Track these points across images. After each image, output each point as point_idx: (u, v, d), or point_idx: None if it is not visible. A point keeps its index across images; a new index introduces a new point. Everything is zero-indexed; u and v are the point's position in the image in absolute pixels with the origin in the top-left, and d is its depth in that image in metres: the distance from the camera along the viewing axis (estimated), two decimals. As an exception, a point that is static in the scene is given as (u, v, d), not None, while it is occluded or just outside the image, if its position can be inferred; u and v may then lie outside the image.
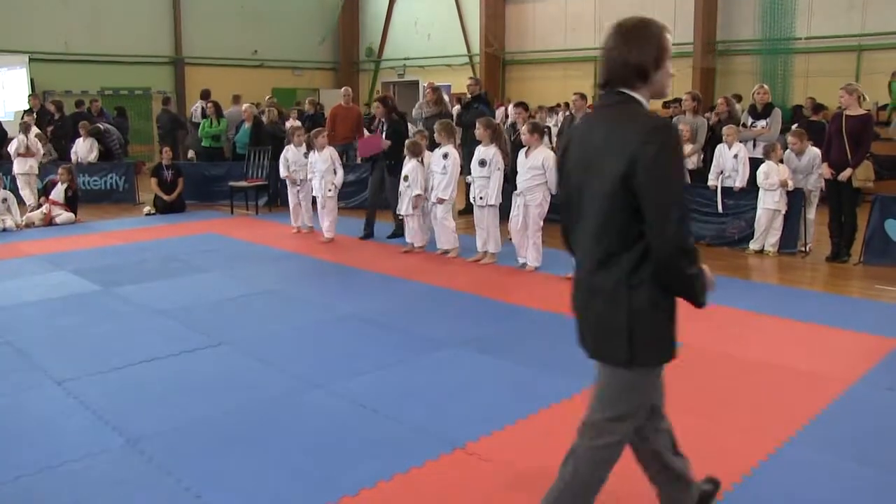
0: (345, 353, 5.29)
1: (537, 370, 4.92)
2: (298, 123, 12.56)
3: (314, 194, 9.50)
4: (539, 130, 7.63)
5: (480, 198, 7.77)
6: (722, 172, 8.93)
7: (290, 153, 9.99)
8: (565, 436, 3.95)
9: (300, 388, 4.63)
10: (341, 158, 12.26)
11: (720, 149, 8.96)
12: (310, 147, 9.62)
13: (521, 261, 7.78)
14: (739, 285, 7.22)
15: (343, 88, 13.29)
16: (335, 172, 9.33)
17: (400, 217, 8.83)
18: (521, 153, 7.62)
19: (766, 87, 9.58)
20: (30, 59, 16.98)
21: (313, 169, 9.38)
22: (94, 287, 7.18)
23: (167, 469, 3.59)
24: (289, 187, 10.02)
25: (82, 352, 5.35)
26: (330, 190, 9.26)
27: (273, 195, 12.28)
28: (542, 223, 7.63)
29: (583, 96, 10.49)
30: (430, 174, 8.20)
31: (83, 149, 12.87)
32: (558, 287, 7.11)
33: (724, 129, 8.97)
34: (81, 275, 7.65)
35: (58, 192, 10.98)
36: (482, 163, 7.74)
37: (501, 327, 5.88)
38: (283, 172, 9.96)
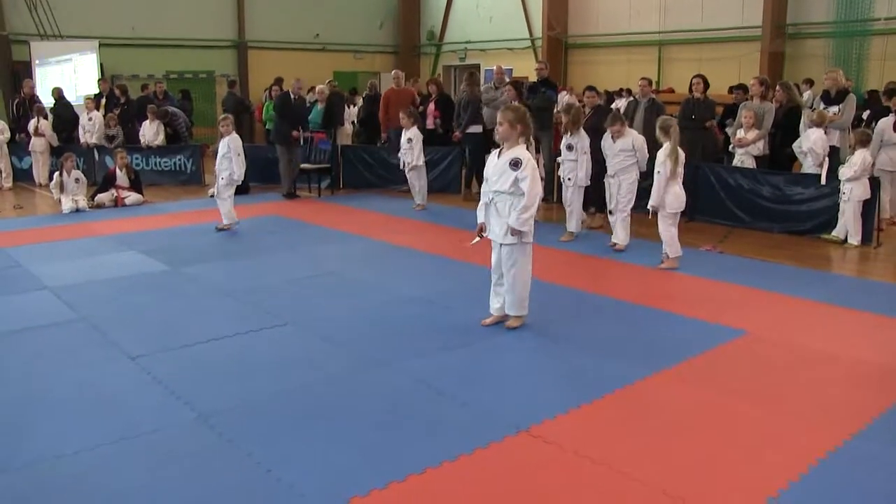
0: (408, 335, 5.33)
1: (601, 355, 4.89)
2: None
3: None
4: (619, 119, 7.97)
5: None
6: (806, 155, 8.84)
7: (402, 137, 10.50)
8: (629, 421, 3.96)
9: (365, 368, 4.70)
10: (398, 142, 12.42)
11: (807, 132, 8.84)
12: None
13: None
14: (810, 275, 7.05)
15: (393, 72, 13.32)
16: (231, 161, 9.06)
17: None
18: (608, 138, 7.93)
19: (840, 71, 9.31)
20: (99, 45, 17.41)
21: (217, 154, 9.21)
22: (163, 267, 7.37)
23: (237, 444, 3.68)
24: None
25: (153, 329, 5.51)
26: (223, 178, 9.07)
27: (335, 178, 12.43)
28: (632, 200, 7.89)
29: (649, 81, 10.30)
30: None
31: (150, 132, 13.19)
32: (623, 273, 7.07)
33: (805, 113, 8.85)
34: (150, 255, 7.86)
35: (122, 179, 11.27)
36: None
37: (566, 312, 5.86)
38: (401, 155, 10.56)
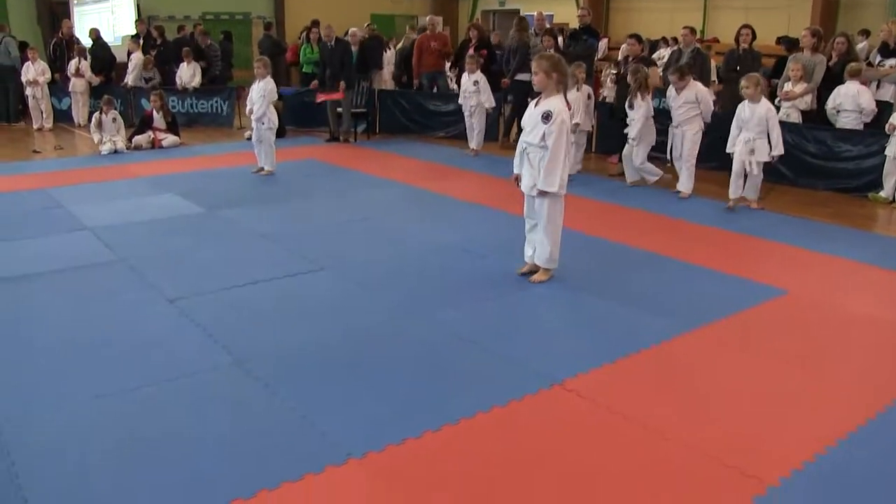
0: (443, 283, 5.32)
1: (638, 310, 4.84)
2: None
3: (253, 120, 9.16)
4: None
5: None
6: (838, 112, 8.60)
7: (463, 80, 10.68)
8: (664, 378, 3.92)
9: (400, 316, 4.70)
10: (431, 87, 12.27)
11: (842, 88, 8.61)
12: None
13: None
14: (854, 235, 6.88)
15: (428, 17, 13.18)
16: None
17: None
18: (671, 89, 8.14)
19: (898, 21, 8.97)
20: (136, -16, 17.36)
21: (252, 98, 9.09)
22: (199, 209, 7.42)
23: (273, 389, 3.72)
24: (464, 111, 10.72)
25: (190, 272, 5.55)
26: (263, 123, 9.02)
27: (372, 122, 12.35)
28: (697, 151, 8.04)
29: (692, 30, 10.00)
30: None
31: (186, 74, 13.17)
32: (662, 226, 6.97)
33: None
34: (187, 197, 7.90)
35: (158, 121, 11.30)
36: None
37: (603, 264, 5.80)
38: (462, 100, 10.68)
